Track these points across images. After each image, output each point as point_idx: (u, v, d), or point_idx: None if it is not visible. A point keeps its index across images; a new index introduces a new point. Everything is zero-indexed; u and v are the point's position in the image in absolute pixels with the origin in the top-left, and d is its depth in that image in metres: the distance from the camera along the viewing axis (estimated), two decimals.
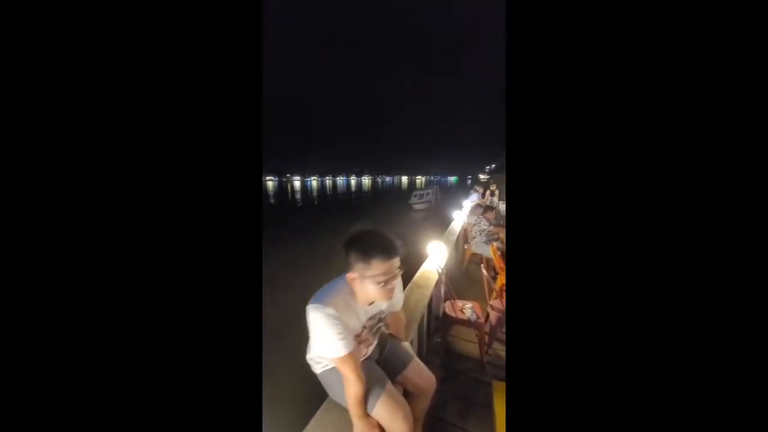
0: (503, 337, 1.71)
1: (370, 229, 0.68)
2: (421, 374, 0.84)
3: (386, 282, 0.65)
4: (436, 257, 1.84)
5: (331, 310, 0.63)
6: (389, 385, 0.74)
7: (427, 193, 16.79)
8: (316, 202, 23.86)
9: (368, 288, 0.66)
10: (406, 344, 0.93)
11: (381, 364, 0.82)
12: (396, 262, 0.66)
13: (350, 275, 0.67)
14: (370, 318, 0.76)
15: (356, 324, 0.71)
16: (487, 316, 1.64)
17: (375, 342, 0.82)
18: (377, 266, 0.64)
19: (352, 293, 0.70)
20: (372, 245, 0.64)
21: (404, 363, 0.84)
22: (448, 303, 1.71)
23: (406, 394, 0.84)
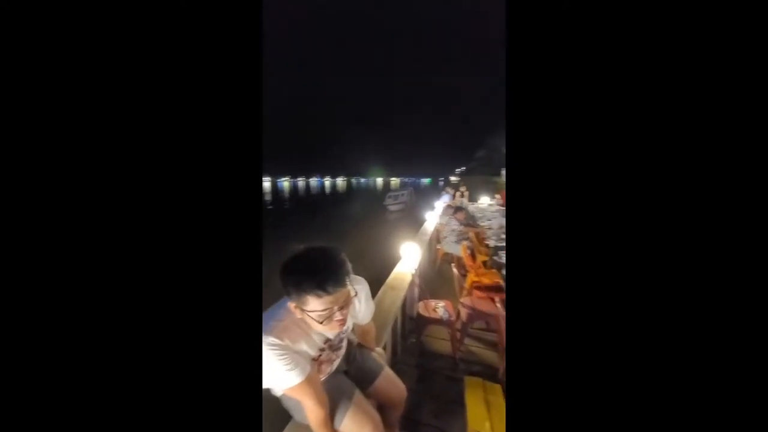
0: (475, 333, 1.78)
1: (309, 252, 0.54)
2: (392, 384, 0.82)
3: (330, 317, 0.54)
4: (409, 258, 1.86)
5: (273, 339, 0.54)
6: (357, 396, 0.71)
7: (402, 194, 17.01)
8: (286, 205, 22.82)
9: (310, 322, 0.56)
10: (378, 351, 0.91)
11: (350, 375, 0.79)
12: (340, 294, 0.53)
13: (291, 304, 0.56)
14: (329, 339, 0.67)
15: (311, 349, 0.62)
16: (458, 313, 1.69)
17: (341, 356, 0.77)
18: (314, 303, 0.52)
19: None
20: (305, 280, 0.51)
21: (375, 374, 0.81)
22: (421, 303, 1.73)
23: (379, 406, 0.82)
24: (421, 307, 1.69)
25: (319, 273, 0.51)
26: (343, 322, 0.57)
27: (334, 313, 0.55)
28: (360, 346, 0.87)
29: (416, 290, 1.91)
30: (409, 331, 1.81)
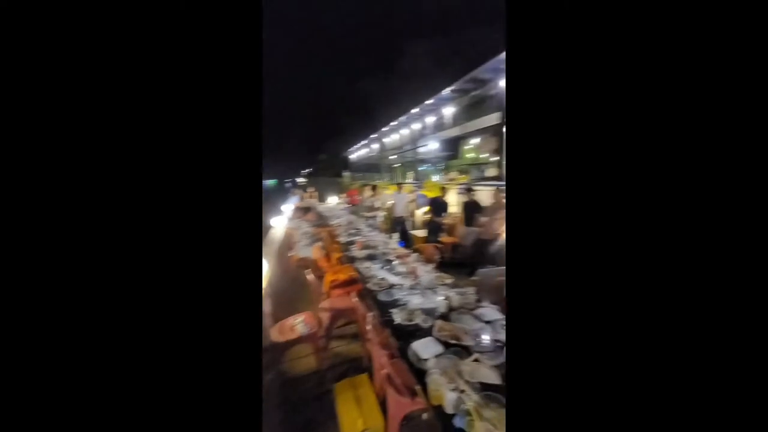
0: (337, 332, 1.76)
1: None
2: None
3: None
4: None
5: None
6: None
7: None
8: None
9: None
10: None
11: None
12: None
13: None
14: None
15: None
16: (319, 321, 1.60)
17: None
18: None
19: None
20: None
21: None
22: (275, 327, 1.46)
23: None
24: (275, 333, 1.41)
25: None
26: None
27: None
28: None
29: (266, 318, 1.59)
30: (265, 367, 1.48)
